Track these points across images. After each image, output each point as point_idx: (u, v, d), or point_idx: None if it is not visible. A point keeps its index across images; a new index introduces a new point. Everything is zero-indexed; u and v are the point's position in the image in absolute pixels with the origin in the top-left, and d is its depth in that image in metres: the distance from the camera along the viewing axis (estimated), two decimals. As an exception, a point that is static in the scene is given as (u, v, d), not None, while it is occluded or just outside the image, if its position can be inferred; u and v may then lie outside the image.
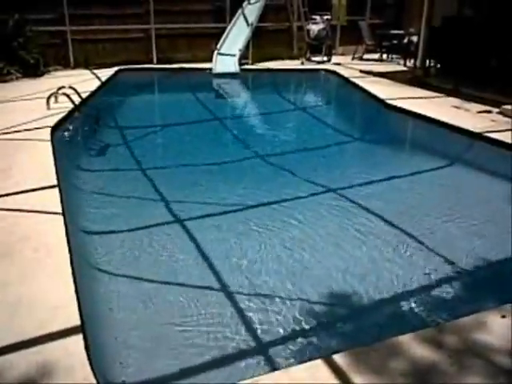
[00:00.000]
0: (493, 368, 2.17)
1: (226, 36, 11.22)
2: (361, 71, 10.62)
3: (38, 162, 4.96)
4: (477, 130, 6.15)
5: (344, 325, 2.96)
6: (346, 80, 9.94)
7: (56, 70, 10.79)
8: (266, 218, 4.25)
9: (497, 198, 4.75)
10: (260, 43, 12.25)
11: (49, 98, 7.13)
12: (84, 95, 7.65)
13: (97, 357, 2.33)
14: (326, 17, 12.15)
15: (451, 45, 9.13)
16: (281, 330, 2.77)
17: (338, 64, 11.67)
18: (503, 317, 2.53)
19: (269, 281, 3.27)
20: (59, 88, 7.26)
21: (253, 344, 2.70)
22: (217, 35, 11.33)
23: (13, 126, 6.21)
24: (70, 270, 2.97)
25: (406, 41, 11.80)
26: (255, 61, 12.07)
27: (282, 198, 4.64)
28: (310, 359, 2.31)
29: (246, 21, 11.21)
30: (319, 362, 2.21)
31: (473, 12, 9.46)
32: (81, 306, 2.64)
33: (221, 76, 10.88)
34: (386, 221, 4.16)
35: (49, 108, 7.04)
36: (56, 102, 7.21)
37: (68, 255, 3.15)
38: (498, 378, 2.12)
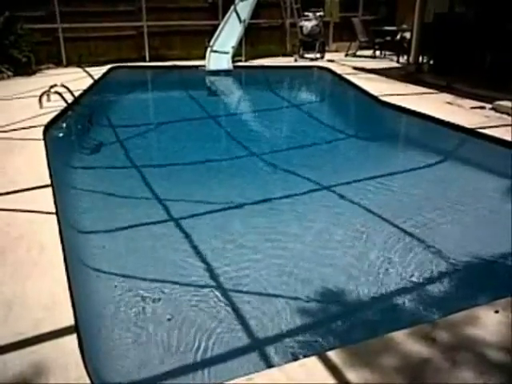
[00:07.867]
0: (487, 363, 2.19)
1: (219, 33, 11.19)
2: (354, 68, 10.62)
3: (30, 162, 4.93)
4: (470, 126, 6.18)
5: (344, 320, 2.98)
6: (340, 77, 9.94)
7: (48, 68, 10.74)
8: (261, 215, 4.26)
9: (489, 193, 4.77)
10: (253, 40, 12.24)
11: (41, 96, 7.09)
12: (77, 93, 7.61)
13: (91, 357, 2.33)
14: (318, 13, 12.15)
15: (444, 41, 9.15)
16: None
17: (332, 61, 11.67)
18: (496, 312, 2.54)
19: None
20: (51, 86, 7.22)
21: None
22: (210, 32, 11.31)
23: (5, 126, 6.17)
24: (63, 270, 2.97)
25: (398, 37, 11.84)
26: (248, 58, 12.05)
27: (275, 195, 4.64)
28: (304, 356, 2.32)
29: (239, 18, 11.18)
30: (314, 358, 2.22)
31: (465, 8, 9.48)
32: (75, 305, 2.64)
33: (214, 73, 10.86)
34: (374, 213, 4.19)
35: (41, 107, 7.01)
36: (48, 100, 7.18)
37: (62, 254, 3.14)
38: (492, 373, 2.13)
